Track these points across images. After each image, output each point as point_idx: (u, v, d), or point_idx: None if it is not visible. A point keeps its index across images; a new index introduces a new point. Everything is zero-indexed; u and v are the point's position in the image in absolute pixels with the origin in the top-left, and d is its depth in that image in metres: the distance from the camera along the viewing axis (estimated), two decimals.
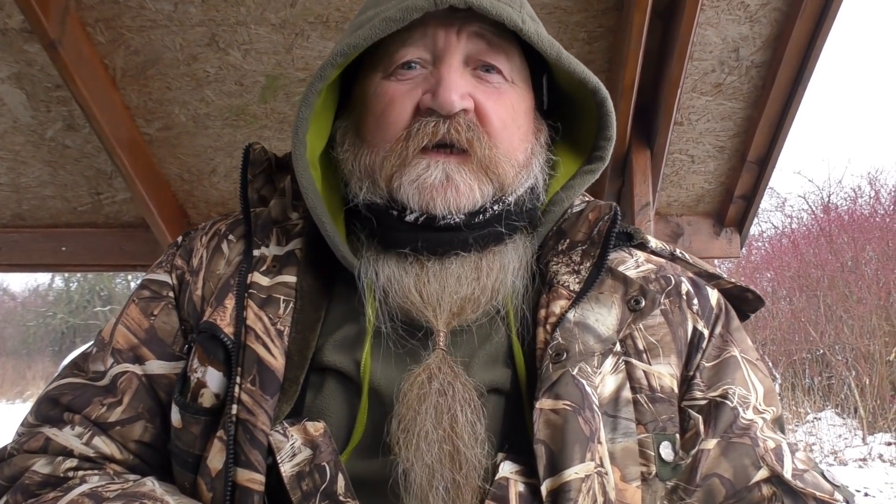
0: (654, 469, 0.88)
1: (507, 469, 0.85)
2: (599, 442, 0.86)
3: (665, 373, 0.93)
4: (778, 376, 8.12)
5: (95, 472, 0.92)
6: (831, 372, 7.89)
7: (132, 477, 0.92)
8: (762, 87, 2.30)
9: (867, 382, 7.23)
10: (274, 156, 1.07)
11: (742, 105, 2.37)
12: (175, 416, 0.92)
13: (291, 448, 0.85)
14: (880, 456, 6.61)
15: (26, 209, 2.84)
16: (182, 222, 2.78)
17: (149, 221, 2.67)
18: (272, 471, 0.85)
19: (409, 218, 0.92)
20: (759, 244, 9.97)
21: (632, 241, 1.03)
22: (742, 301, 1.07)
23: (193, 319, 0.99)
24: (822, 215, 9.21)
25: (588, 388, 0.87)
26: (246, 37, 2.22)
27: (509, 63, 0.96)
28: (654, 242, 1.05)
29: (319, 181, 0.97)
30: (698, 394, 0.95)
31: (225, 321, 0.92)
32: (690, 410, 0.93)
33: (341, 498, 0.83)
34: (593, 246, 0.97)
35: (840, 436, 7.19)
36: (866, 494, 5.58)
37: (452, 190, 0.90)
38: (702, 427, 0.92)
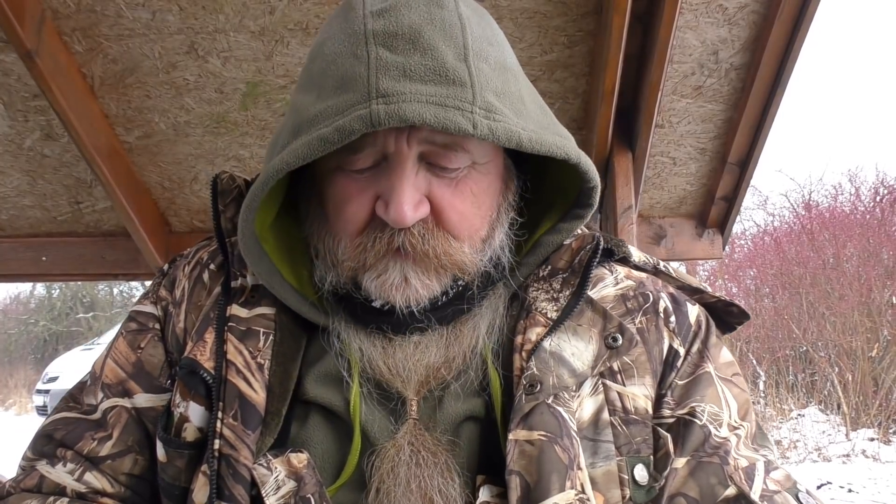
0: (628, 492, 0.88)
1: (485, 495, 0.85)
2: (580, 468, 0.85)
3: (639, 394, 0.92)
4: (762, 374, 8.16)
5: None
6: (814, 369, 7.95)
7: None
8: (742, 90, 2.31)
9: (850, 379, 7.28)
10: (244, 181, 1.04)
11: (722, 107, 2.38)
12: (160, 451, 0.93)
13: (275, 481, 0.85)
14: (863, 451, 6.66)
15: (5, 219, 2.81)
16: (163, 230, 2.76)
17: (130, 230, 2.65)
18: (256, 502, 0.85)
19: (375, 304, 0.92)
20: (742, 242, 10.03)
21: (613, 256, 1.02)
22: (727, 314, 1.06)
23: (177, 352, 1.00)
24: (803, 213, 9.28)
25: (565, 415, 0.87)
26: (225, 44, 2.20)
27: (467, 153, 0.88)
28: (636, 256, 1.04)
29: (275, 244, 0.96)
30: (667, 412, 0.94)
31: (205, 356, 0.92)
32: (660, 429, 0.92)
33: None
34: (573, 275, 0.96)
35: (824, 432, 7.24)
36: (850, 490, 5.62)
37: (411, 289, 0.89)
38: (671, 446, 0.91)
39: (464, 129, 0.80)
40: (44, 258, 2.80)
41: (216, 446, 0.86)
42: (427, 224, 0.88)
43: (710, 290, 1.06)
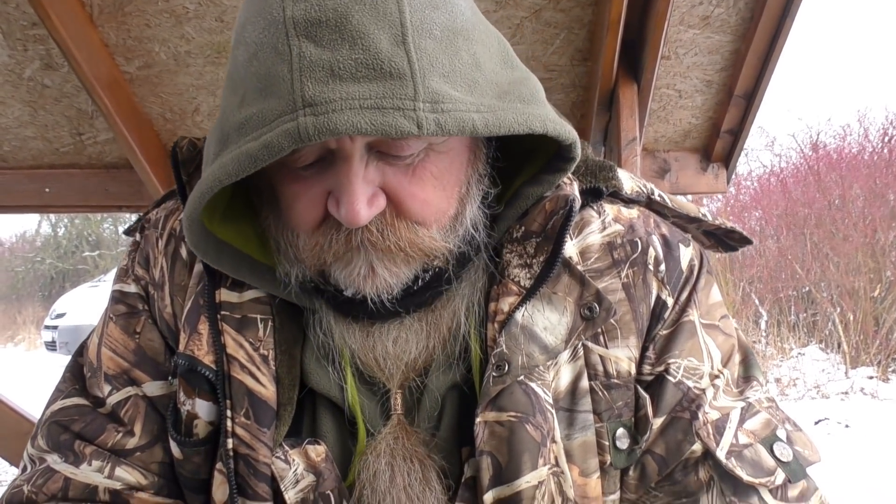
0: (608, 458, 0.86)
1: (471, 468, 0.83)
2: (554, 442, 0.83)
3: (623, 356, 0.89)
4: (764, 314, 8.21)
5: None
6: (816, 309, 7.98)
7: None
8: (750, 20, 2.27)
9: (851, 318, 7.32)
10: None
11: (730, 38, 2.34)
12: (175, 449, 0.90)
13: (294, 475, 0.84)
14: (861, 389, 6.73)
15: (8, 150, 2.80)
16: (166, 162, 2.76)
17: (132, 162, 2.65)
18: (276, 496, 0.84)
19: (348, 293, 0.86)
20: (748, 183, 9.97)
21: (600, 196, 0.94)
22: (728, 238, 1.03)
23: (171, 338, 0.95)
24: (810, 153, 9.21)
25: (539, 390, 0.84)
26: None
27: (420, 139, 0.79)
28: (629, 185, 0.97)
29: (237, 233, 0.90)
30: (647, 368, 0.91)
31: (202, 350, 0.87)
32: (640, 388, 0.90)
33: None
34: (547, 241, 0.89)
35: (823, 370, 7.31)
36: (847, 426, 5.70)
37: (379, 279, 0.83)
38: (650, 408, 0.89)
39: (407, 132, 0.70)
40: (47, 190, 2.80)
41: (230, 445, 0.83)
42: (385, 218, 0.81)
43: (709, 217, 1.01)
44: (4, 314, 16.53)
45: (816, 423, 5.80)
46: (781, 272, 8.37)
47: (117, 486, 0.88)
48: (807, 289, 8.05)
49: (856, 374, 7.09)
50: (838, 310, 7.53)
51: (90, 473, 0.88)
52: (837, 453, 5.04)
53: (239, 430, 0.83)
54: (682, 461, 0.86)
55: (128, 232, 1.02)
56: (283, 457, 0.84)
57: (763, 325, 8.17)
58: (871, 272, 7.47)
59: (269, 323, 0.88)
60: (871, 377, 7.00)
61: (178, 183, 0.94)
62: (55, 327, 11.45)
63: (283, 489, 0.83)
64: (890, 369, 7.14)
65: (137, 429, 0.91)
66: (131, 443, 0.90)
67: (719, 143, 2.63)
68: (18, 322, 15.93)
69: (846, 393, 6.72)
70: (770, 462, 0.85)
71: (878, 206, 7.79)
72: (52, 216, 17.76)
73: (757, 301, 8.28)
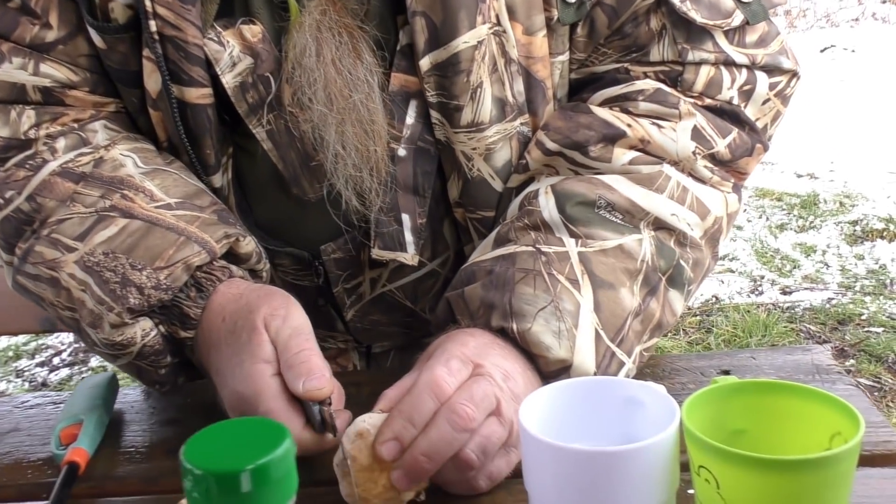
0: (555, 13, 0.79)
1: (408, 33, 0.78)
2: None
3: None
4: None
5: (58, 126, 0.82)
6: None
7: (101, 139, 0.82)
8: None
9: None
10: None
11: None
12: (96, 38, 0.81)
13: (230, 58, 0.78)
14: (873, 14, 6.58)
15: None
16: None
17: None
18: (216, 82, 0.79)
19: None
20: None
21: None
22: None
23: None
24: None
25: None
26: None
27: None
28: None
29: None
30: None
31: None
32: None
33: (289, 108, 0.79)
34: None
35: None
36: (853, 51, 5.67)
37: None
38: None
39: None
40: None
41: (153, 28, 0.76)
42: None
43: None
44: None
45: (822, 50, 5.75)
46: None
47: (46, 82, 0.81)
48: None
49: None
50: None
51: (13, 71, 0.81)
52: (841, 76, 5.07)
53: (161, 10, 0.76)
54: (632, 11, 0.80)
55: None
56: (215, 38, 0.78)
57: None
58: None
59: None
60: (885, 1, 6.80)
61: None
62: None
63: (219, 73, 0.78)
64: None
65: (54, 20, 0.82)
66: (50, 36, 0.82)
67: None
68: None
69: (857, 20, 6.58)
70: (728, 2, 0.80)
71: None
72: None
73: None
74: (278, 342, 0.68)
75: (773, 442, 0.56)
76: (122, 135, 0.83)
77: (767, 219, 3.47)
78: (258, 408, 0.66)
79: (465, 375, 0.64)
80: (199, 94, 0.79)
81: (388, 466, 0.61)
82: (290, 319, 0.69)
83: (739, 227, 3.39)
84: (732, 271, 3.09)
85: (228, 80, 0.79)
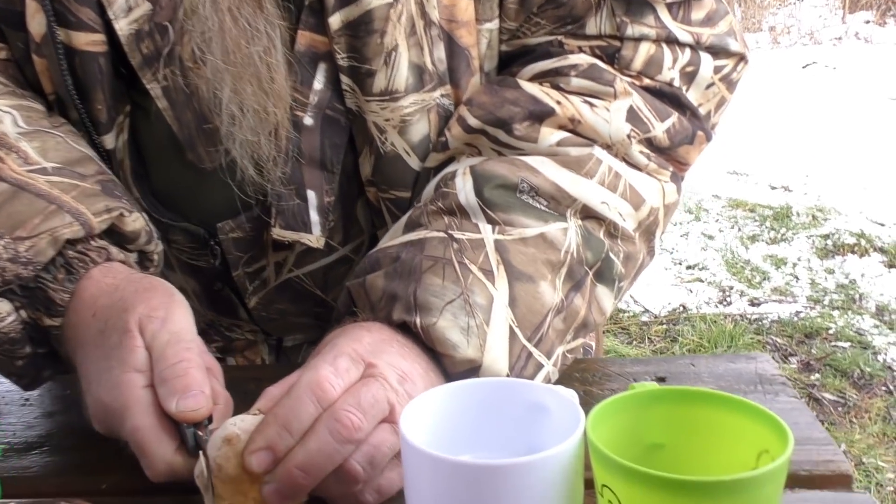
0: None
1: None
2: None
3: None
4: None
5: None
6: None
7: None
8: None
9: None
10: None
11: None
12: None
13: (126, 2, 0.70)
14: (856, 34, 6.59)
15: None
16: None
17: None
18: (109, 28, 0.71)
19: None
20: None
21: None
22: None
23: None
24: None
25: None
26: None
27: None
28: None
29: None
30: None
31: None
32: None
33: (188, 64, 0.71)
34: None
35: (820, 16, 7.11)
36: (834, 69, 5.66)
37: None
38: None
39: None
40: None
41: None
42: None
43: None
44: None
45: (804, 67, 5.74)
46: None
47: None
48: None
49: (853, 18, 6.89)
50: None
51: None
52: (821, 94, 5.04)
53: None
54: None
55: None
56: None
57: None
58: None
59: None
60: (868, 21, 6.81)
61: None
62: None
63: (112, 18, 0.70)
64: (889, 13, 6.92)
65: None
66: None
67: None
68: None
69: (840, 38, 6.58)
70: None
71: None
72: None
73: None
74: (154, 349, 0.59)
75: (694, 459, 0.49)
76: (9, 89, 0.74)
77: (739, 229, 3.42)
78: (124, 423, 0.57)
79: (355, 377, 0.56)
80: (89, 41, 0.70)
81: (260, 479, 0.53)
82: (170, 323, 0.60)
83: (711, 237, 3.35)
84: (701, 280, 3.04)
85: (122, 27, 0.70)
